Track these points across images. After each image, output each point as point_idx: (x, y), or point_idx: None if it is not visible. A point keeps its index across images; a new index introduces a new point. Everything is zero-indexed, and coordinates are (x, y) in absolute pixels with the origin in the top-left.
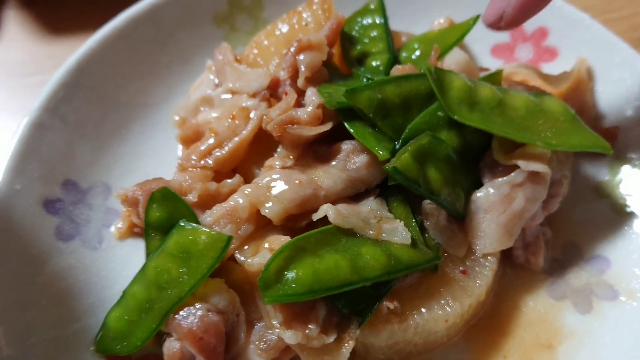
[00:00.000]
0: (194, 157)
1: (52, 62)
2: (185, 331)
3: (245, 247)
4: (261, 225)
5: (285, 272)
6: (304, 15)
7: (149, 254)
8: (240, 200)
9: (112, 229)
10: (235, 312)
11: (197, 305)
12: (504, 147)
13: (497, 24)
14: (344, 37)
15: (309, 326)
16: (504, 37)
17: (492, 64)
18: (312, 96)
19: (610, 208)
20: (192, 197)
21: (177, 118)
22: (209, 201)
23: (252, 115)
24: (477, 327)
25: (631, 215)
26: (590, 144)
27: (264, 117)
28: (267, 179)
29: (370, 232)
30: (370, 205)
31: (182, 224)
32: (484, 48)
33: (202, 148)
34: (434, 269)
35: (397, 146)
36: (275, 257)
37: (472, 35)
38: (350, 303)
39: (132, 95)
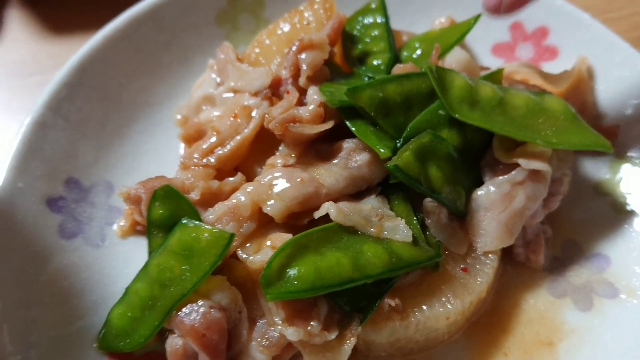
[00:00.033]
0: (196, 155)
1: (54, 61)
2: (188, 328)
3: (248, 244)
4: (263, 223)
5: (287, 270)
6: (306, 14)
7: (151, 251)
8: (243, 198)
9: (115, 227)
10: (238, 309)
11: (200, 303)
12: (504, 145)
13: (496, 9)
14: (345, 37)
15: (311, 323)
16: (504, 36)
17: (492, 63)
18: (314, 95)
19: (610, 206)
20: (194, 195)
21: (179, 117)
22: (211, 199)
23: (254, 113)
24: (478, 324)
25: (631, 213)
26: (590, 142)
27: (266, 115)
28: (269, 177)
29: (372, 230)
30: (371, 203)
31: (184, 221)
32: (485, 47)
33: (204, 146)
34: (435, 266)
35: (399, 144)
36: (277, 255)
37: (472, 34)
38: (351, 300)
39: (134, 94)
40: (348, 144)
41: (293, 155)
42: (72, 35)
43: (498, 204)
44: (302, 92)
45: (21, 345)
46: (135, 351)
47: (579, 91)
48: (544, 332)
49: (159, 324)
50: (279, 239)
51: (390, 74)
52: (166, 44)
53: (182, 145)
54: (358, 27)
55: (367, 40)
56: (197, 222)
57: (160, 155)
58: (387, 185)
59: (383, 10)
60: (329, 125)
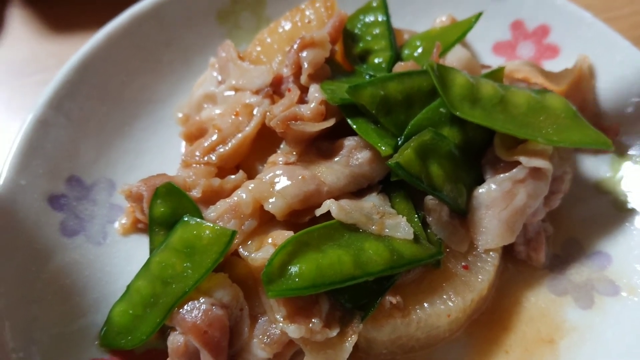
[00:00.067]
0: (197, 153)
1: (55, 60)
2: (190, 325)
3: (249, 242)
4: (265, 221)
5: (289, 267)
6: (307, 12)
7: (152, 249)
8: (244, 196)
9: (116, 224)
10: (239, 307)
11: (201, 300)
12: (505, 143)
13: None
14: (346, 35)
15: (312, 320)
16: (505, 35)
17: (493, 61)
18: (315, 93)
19: (611, 204)
20: (195, 193)
21: (180, 115)
22: (212, 197)
23: (255, 111)
24: (479, 322)
25: (632, 211)
26: (591, 140)
27: (267, 113)
28: (271, 174)
29: (373, 227)
30: (372, 201)
31: (186, 219)
32: (486, 46)
33: (206, 144)
34: (436, 264)
35: (400, 142)
36: (279, 252)
37: (473, 33)
38: (353, 297)
39: (136, 93)
40: (349, 142)
41: (294, 153)
42: (74, 33)
43: (499, 202)
44: (304, 90)
45: (23, 343)
46: (137, 348)
47: (579, 89)
48: (545, 330)
49: (161, 321)
50: (281, 236)
51: (391, 72)
52: (167, 43)
53: (184, 143)
54: (359, 26)
55: (368, 38)
56: (198, 220)
57: (162, 153)
58: (389, 183)
59: (384, 8)
60: (330, 123)
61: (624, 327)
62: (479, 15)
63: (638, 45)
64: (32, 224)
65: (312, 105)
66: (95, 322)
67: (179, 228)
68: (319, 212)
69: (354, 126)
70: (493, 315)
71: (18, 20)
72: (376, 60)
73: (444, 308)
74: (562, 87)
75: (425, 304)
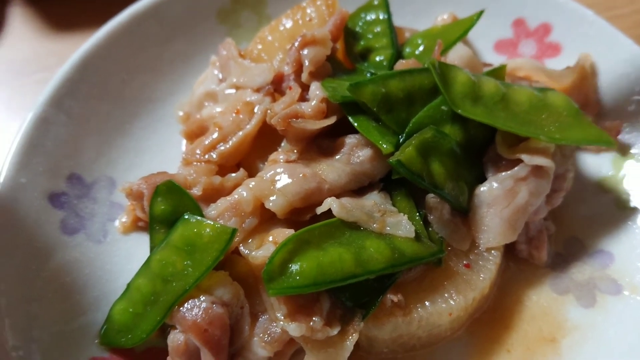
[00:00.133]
0: (198, 151)
1: (56, 59)
2: (190, 323)
3: (250, 240)
4: (265, 219)
5: (290, 265)
6: (308, 10)
7: (153, 247)
8: (245, 194)
9: (117, 223)
10: (240, 305)
11: (202, 298)
12: (507, 141)
13: None
14: (347, 33)
15: (313, 319)
16: (507, 33)
17: (495, 59)
18: (316, 90)
19: (613, 203)
20: (196, 191)
21: (181, 113)
22: (213, 195)
23: (256, 109)
24: (481, 320)
25: (634, 210)
26: (593, 138)
27: (268, 111)
28: (272, 172)
29: (374, 225)
30: (374, 199)
31: (186, 217)
32: (488, 44)
33: (207, 142)
34: (437, 262)
35: (401, 140)
36: (280, 250)
37: (475, 31)
38: (354, 296)
39: (137, 91)
40: (350, 140)
41: (295, 151)
42: (74, 32)
43: (501, 200)
44: (305, 88)
45: (23, 341)
46: (137, 347)
47: (582, 88)
48: (547, 329)
49: (161, 320)
50: (281, 234)
51: (392, 70)
52: (168, 41)
53: (184, 141)
54: (360, 24)
55: (370, 36)
56: (199, 218)
57: (163, 152)
58: (390, 181)
59: (385, 6)
60: (331, 120)
61: (626, 326)
62: (481, 13)
63: None
64: (32, 222)
65: (313, 103)
66: (95, 320)
67: (179, 226)
68: (319, 210)
69: (355, 124)
70: (495, 314)
71: (19, 19)
72: (377, 58)
73: (446, 306)
74: (564, 85)
75: (427, 303)
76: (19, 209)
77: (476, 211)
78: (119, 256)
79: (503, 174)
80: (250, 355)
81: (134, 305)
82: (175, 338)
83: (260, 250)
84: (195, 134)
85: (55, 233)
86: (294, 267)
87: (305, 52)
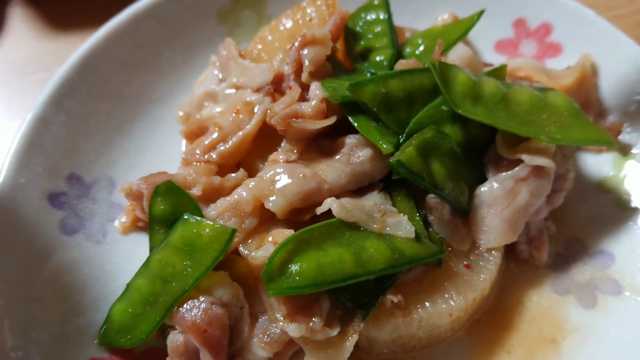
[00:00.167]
0: (198, 151)
1: (56, 59)
2: (189, 324)
3: (249, 240)
4: (265, 219)
5: (289, 265)
6: (308, 10)
7: (152, 247)
8: (244, 194)
9: (116, 223)
10: (239, 305)
11: (201, 298)
12: (508, 141)
13: None
14: (347, 33)
15: (313, 319)
16: (507, 33)
17: (495, 59)
18: (316, 90)
19: (614, 203)
20: (196, 191)
21: (181, 113)
22: (213, 195)
23: (256, 109)
24: (481, 321)
25: (635, 210)
26: (594, 138)
27: (268, 111)
28: (271, 172)
29: (374, 225)
30: (374, 199)
31: (186, 217)
32: (488, 44)
33: (206, 142)
34: (437, 262)
35: (401, 140)
36: (279, 250)
37: (476, 31)
38: (354, 296)
39: (137, 91)
40: (350, 140)
41: (295, 151)
42: (75, 32)
43: (501, 200)
44: (305, 88)
45: (22, 341)
46: (136, 347)
47: (582, 88)
48: (548, 330)
49: (160, 320)
50: (281, 234)
51: (392, 69)
52: (168, 41)
53: (184, 141)
54: (361, 24)
55: (370, 36)
56: (199, 218)
57: (162, 152)
58: (390, 181)
59: (386, 6)
60: (331, 120)
61: (627, 327)
62: (481, 13)
63: None
64: (31, 222)
65: (313, 103)
66: (94, 320)
67: (179, 226)
68: (319, 210)
69: (355, 124)
70: (495, 315)
71: (19, 18)
72: (377, 58)
73: (446, 307)
74: (564, 85)
75: (427, 303)
76: (19, 209)
77: (476, 211)
78: (118, 256)
79: (503, 174)
80: (249, 355)
81: (134, 306)
82: (175, 338)
83: (260, 251)
84: (195, 134)
85: (54, 233)
86: (294, 268)
87: (305, 52)
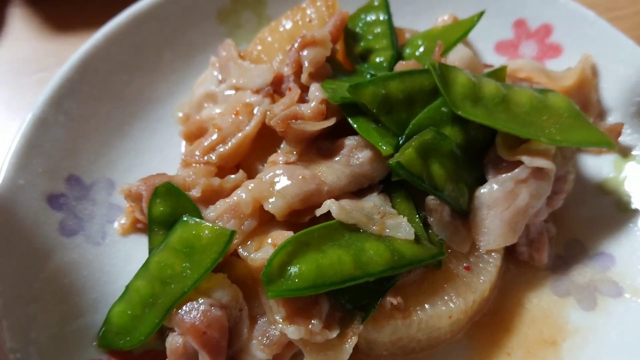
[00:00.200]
0: (197, 152)
1: (56, 59)
2: (188, 326)
3: (249, 242)
4: (264, 221)
5: (289, 267)
6: (308, 11)
7: (152, 248)
8: (244, 196)
9: (116, 224)
10: (238, 307)
11: (200, 300)
12: (507, 143)
13: None
14: (347, 34)
15: (312, 321)
16: (508, 33)
17: (496, 60)
18: (316, 92)
19: (614, 205)
20: (195, 193)
21: (180, 114)
22: (212, 196)
23: (255, 111)
24: (481, 323)
25: (636, 212)
26: (594, 140)
27: (268, 112)
28: (271, 174)
29: (374, 227)
30: (373, 201)
31: (185, 218)
32: (488, 45)
33: (206, 144)
34: (437, 264)
35: (401, 142)
36: (279, 252)
37: (476, 32)
38: (353, 298)
39: (136, 92)
40: (350, 141)
41: (295, 152)
42: (75, 32)
43: (501, 202)
44: (304, 89)
45: (21, 343)
46: (135, 349)
47: (583, 89)
48: (548, 332)
49: (160, 322)
50: (280, 236)
51: (392, 71)
52: (168, 42)
53: (184, 142)
54: (360, 25)
55: (370, 37)
56: (198, 220)
57: (162, 153)
58: (389, 182)
59: (386, 7)
60: (330, 122)
61: (627, 329)
62: (481, 14)
63: None
64: (31, 223)
65: (312, 105)
66: (93, 322)
67: (178, 228)
68: (319, 212)
69: (355, 125)
70: (495, 317)
71: (19, 19)
72: (377, 59)
73: (445, 309)
74: (564, 86)
75: (427, 305)
76: (18, 210)
77: (476, 213)
78: (117, 258)
79: (503, 175)
80: (249, 357)
81: (133, 308)
82: (174, 340)
83: (259, 253)
84: (194, 135)
85: (53, 234)
86: (293, 270)
87: (305, 53)
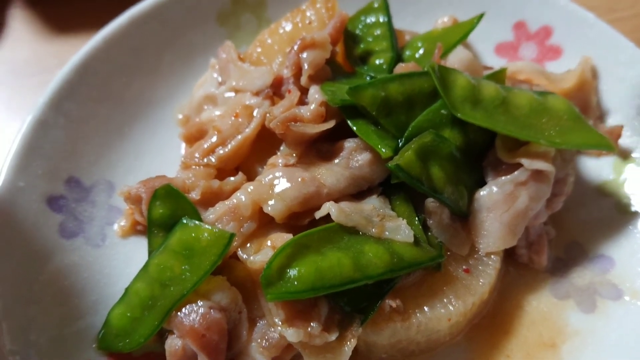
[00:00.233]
0: (197, 155)
1: (57, 61)
2: (188, 329)
3: (248, 244)
4: (264, 223)
5: (288, 270)
6: (308, 13)
7: (151, 251)
8: (243, 198)
9: (115, 226)
10: (238, 310)
11: (200, 303)
12: (507, 145)
13: None
14: (347, 36)
15: (311, 324)
16: (508, 35)
17: (496, 62)
18: (315, 94)
19: (614, 207)
20: (194, 195)
21: (180, 116)
22: (211, 199)
23: (255, 113)
24: (480, 326)
25: (635, 214)
26: (594, 142)
27: (267, 115)
28: (270, 176)
29: (373, 230)
30: (373, 204)
31: (184, 221)
32: (488, 47)
33: (206, 146)
34: (437, 267)
35: (400, 144)
36: (278, 255)
37: (475, 34)
38: (352, 301)
39: (136, 94)
40: (349, 144)
41: (294, 154)
42: (75, 34)
43: (501, 205)
44: (304, 91)
45: (21, 345)
46: (135, 351)
47: (582, 91)
48: (547, 334)
49: (159, 324)
50: (280, 239)
51: (392, 73)
52: (168, 44)
53: (184, 144)
54: (360, 26)
55: (370, 39)
56: (197, 222)
57: (162, 155)
58: (389, 185)
59: (386, 9)
60: (330, 124)
61: (627, 332)
62: (481, 16)
63: None
64: (30, 225)
65: (312, 107)
66: (93, 324)
67: (177, 230)
68: (318, 214)
69: (354, 128)
70: (494, 319)
71: (19, 20)
72: (377, 62)
73: (445, 312)
74: (564, 88)
75: (426, 308)
76: (18, 212)
77: (476, 215)
78: (117, 260)
79: (503, 178)
80: None
81: (132, 310)
82: (173, 343)
83: (259, 255)
84: (194, 137)
85: (53, 236)
86: (292, 272)
87: (305, 55)
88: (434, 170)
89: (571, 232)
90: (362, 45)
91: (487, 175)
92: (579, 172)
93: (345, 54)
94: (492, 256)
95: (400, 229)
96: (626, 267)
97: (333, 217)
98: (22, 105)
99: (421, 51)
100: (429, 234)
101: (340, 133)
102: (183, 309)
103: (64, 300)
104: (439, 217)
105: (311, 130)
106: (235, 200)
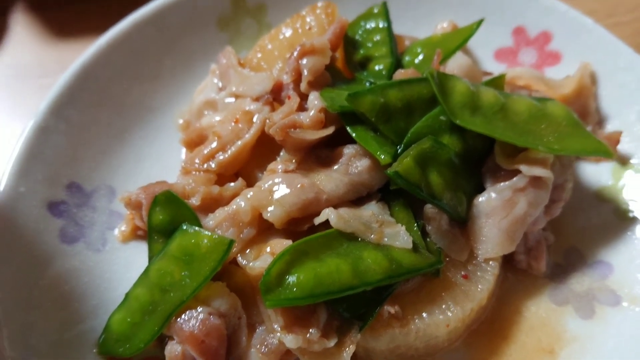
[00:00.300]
0: (197, 160)
1: (58, 65)
2: (187, 334)
3: (247, 250)
4: (263, 229)
5: (287, 276)
6: (308, 19)
7: (151, 256)
8: (243, 204)
9: (116, 231)
10: (237, 316)
11: (199, 309)
12: (506, 151)
13: None
14: (347, 41)
15: (310, 330)
16: (507, 41)
17: (495, 68)
18: (315, 100)
19: (613, 213)
20: (194, 201)
21: (180, 121)
22: (211, 205)
23: (255, 119)
24: (479, 331)
25: (634, 220)
26: (593, 148)
27: (267, 120)
28: (270, 182)
29: (372, 236)
30: (371, 210)
31: (184, 227)
32: (487, 52)
33: (206, 151)
34: (435, 273)
35: (399, 150)
36: (277, 261)
37: (475, 39)
38: (351, 307)
39: (137, 99)
40: (348, 150)
41: (293, 160)
42: (76, 39)
43: (499, 211)
44: (303, 97)
45: (21, 349)
46: (135, 356)
47: (581, 97)
48: (546, 340)
49: (159, 329)
50: (279, 245)
51: (391, 79)
52: (169, 49)
53: (184, 150)
54: (360, 32)
55: (369, 45)
56: (197, 228)
57: (162, 160)
58: (388, 191)
59: (385, 15)
60: (329, 130)
61: (625, 337)
62: (481, 21)
63: None
64: (31, 230)
65: (311, 113)
66: (93, 329)
67: (177, 236)
68: (317, 220)
69: (353, 134)
70: (493, 325)
71: (21, 25)
72: (376, 67)
73: (443, 318)
74: (563, 94)
75: (424, 314)
76: (18, 217)
77: (474, 222)
78: (118, 265)
79: (501, 184)
80: None
81: (132, 315)
82: (173, 349)
83: (258, 261)
84: (194, 142)
85: (54, 242)
86: (291, 279)
87: (304, 61)
88: (433, 176)
89: (570, 238)
90: (361, 51)
91: (486, 181)
92: (578, 177)
93: (345, 60)
94: (491, 262)
95: (399, 235)
96: (625, 273)
97: (332, 223)
98: (24, 109)
99: (421, 57)
100: (428, 240)
101: (340, 139)
102: (182, 315)
103: (64, 305)
104: (438, 223)
105: (310, 136)
106: (234, 207)
